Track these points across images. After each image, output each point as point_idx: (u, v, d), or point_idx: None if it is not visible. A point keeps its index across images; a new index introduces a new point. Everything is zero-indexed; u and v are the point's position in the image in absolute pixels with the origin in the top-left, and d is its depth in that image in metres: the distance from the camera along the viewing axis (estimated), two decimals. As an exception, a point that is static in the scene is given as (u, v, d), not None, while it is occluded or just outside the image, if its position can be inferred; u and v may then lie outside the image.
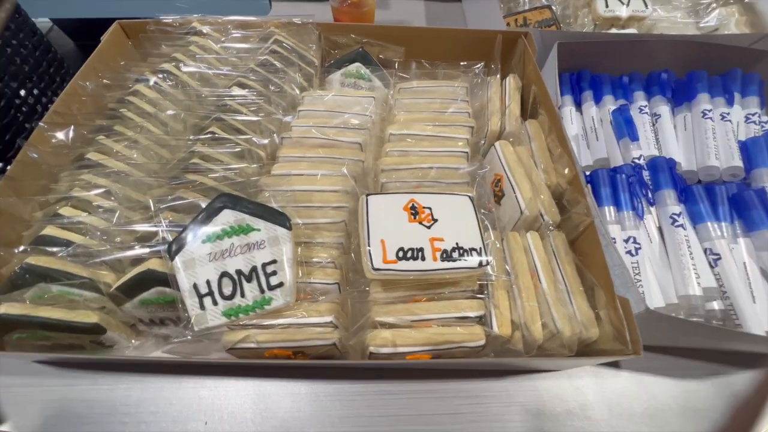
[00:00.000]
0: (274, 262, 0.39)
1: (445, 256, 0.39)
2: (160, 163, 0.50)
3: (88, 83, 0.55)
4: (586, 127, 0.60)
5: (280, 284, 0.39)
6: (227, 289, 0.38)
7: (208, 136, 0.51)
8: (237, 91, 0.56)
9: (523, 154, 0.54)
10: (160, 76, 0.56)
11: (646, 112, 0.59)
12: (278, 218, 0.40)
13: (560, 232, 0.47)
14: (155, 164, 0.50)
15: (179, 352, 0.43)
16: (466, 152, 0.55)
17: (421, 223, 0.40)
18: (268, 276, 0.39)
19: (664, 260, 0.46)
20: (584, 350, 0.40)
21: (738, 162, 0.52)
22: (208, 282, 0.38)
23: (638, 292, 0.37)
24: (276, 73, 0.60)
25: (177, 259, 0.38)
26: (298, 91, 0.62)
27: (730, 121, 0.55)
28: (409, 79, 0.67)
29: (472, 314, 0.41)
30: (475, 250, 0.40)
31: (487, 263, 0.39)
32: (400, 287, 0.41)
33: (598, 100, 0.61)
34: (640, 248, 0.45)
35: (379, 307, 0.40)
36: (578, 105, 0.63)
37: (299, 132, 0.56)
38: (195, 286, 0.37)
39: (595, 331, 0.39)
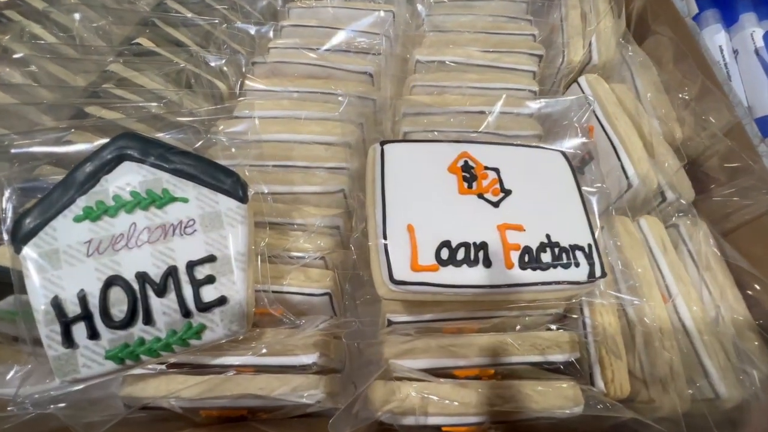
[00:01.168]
0: (210, 259, 0.21)
1: (528, 259, 0.20)
2: (62, 88, 0.32)
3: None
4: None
5: (221, 301, 0.21)
6: (118, 310, 0.20)
7: (132, 47, 0.32)
8: (184, -13, 0.36)
9: (626, 96, 0.34)
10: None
11: (809, 40, 0.39)
12: (223, 181, 0.22)
13: (701, 221, 0.28)
14: (47, 91, 0.31)
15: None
16: (535, 91, 0.36)
17: (481, 196, 0.22)
18: (198, 285, 0.21)
19: None
20: None
21: None
22: (82, 295, 0.20)
23: None
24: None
25: (26, 250, 0.20)
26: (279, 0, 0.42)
27: None
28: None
29: (558, 358, 0.23)
30: (580, 249, 0.21)
31: (603, 274, 0.21)
32: (436, 306, 0.24)
33: (729, 21, 0.41)
34: None
35: (396, 344, 0.23)
36: (693, 31, 0.43)
37: (280, 55, 0.37)
38: (56, 303, 0.20)
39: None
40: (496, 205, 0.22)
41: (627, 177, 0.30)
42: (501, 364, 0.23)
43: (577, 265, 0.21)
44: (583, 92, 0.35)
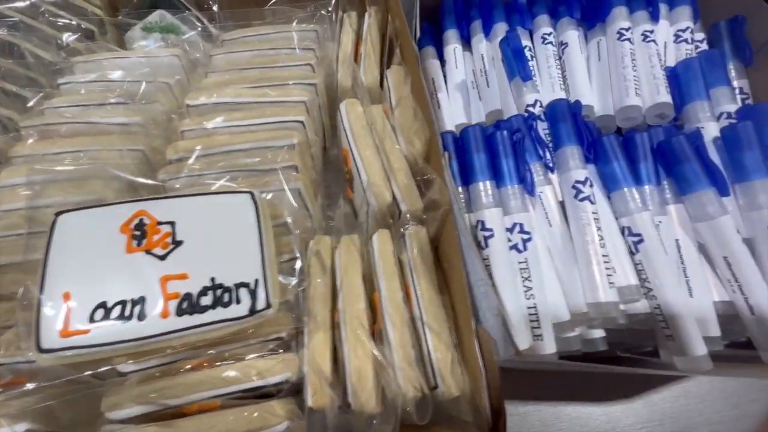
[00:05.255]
0: None
1: (186, 305, 0.23)
2: None
3: None
4: (476, 71, 0.45)
5: None
6: None
7: None
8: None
9: (378, 117, 0.38)
10: None
11: (551, 42, 0.43)
12: None
13: (421, 228, 0.32)
14: None
15: None
16: (301, 121, 0.38)
17: (149, 251, 0.24)
18: None
19: (569, 251, 0.32)
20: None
21: (665, 97, 0.37)
22: None
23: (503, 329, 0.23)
24: (14, 31, 0.40)
25: None
26: (59, 56, 0.42)
27: (654, 41, 0.40)
28: (240, 27, 0.49)
29: (273, 380, 0.26)
30: (245, 285, 0.24)
31: (267, 306, 0.24)
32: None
33: (488, 31, 0.45)
34: (530, 239, 0.31)
35: (112, 395, 0.24)
36: (467, 41, 0.47)
37: (54, 117, 0.38)
38: None
39: (449, 383, 0.25)
40: (162, 258, 0.24)
41: (365, 193, 0.33)
42: (218, 396, 0.26)
43: (238, 301, 0.23)
44: (341, 117, 0.38)
